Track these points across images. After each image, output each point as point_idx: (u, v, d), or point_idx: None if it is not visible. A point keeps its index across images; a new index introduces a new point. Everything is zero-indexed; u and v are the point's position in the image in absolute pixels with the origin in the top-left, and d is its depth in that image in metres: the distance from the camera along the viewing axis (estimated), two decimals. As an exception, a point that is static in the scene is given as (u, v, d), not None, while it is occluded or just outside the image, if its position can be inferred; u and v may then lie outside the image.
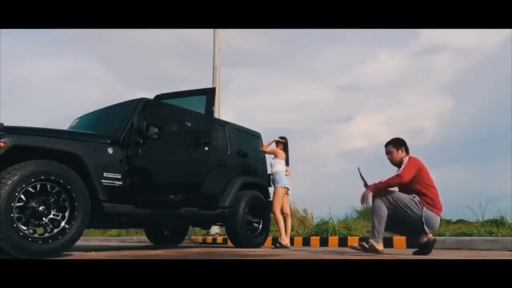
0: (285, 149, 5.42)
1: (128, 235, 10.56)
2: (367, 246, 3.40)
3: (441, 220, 6.84)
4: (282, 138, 5.46)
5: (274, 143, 5.50)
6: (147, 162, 3.79)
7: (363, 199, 3.48)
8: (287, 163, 5.40)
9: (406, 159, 3.57)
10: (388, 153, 3.74)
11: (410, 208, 3.39)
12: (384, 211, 3.40)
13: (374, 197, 3.47)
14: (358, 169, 3.76)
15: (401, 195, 3.46)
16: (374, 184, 3.49)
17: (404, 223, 3.45)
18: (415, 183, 3.48)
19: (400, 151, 3.67)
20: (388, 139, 3.79)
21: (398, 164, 3.63)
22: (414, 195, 3.45)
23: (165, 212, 4.23)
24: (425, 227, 3.40)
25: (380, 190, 3.47)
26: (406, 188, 3.52)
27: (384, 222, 3.39)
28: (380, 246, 3.40)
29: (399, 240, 5.20)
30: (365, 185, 3.67)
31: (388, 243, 5.25)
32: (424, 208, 3.40)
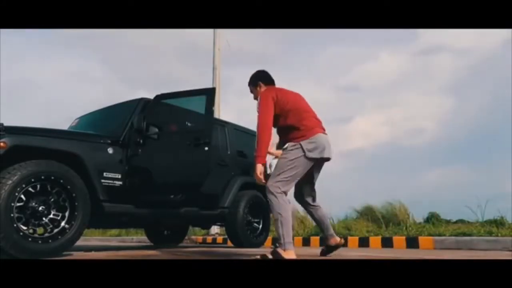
0: None
1: (128, 235, 10.56)
2: (278, 251, 2.76)
3: (441, 219, 6.87)
4: None
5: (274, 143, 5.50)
6: (147, 162, 3.79)
7: (258, 180, 2.92)
8: None
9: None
10: (251, 92, 3.28)
11: (300, 162, 2.91)
12: (285, 214, 2.81)
13: (271, 195, 2.89)
14: (267, 166, 3.55)
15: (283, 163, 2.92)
16: (258, 157, 2.90)
17: (311, 178, 3.11)
18: (284, 118, 2.99)
19: (259, 88, 3.17)
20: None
21: None
22: (287, 144, 2.99)
23: (165, 212, 4.23)
24: (321, 157, 3.01)
25: (264, 155, 2.94)
26: (286, 131, 3.06)
27: (289, 224, 2.82)
28: (288, 254, 2.74)
29: (399, 240, 5.21)
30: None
31: (387, 243, 5.27)
32: (301, 142, 2.92)
